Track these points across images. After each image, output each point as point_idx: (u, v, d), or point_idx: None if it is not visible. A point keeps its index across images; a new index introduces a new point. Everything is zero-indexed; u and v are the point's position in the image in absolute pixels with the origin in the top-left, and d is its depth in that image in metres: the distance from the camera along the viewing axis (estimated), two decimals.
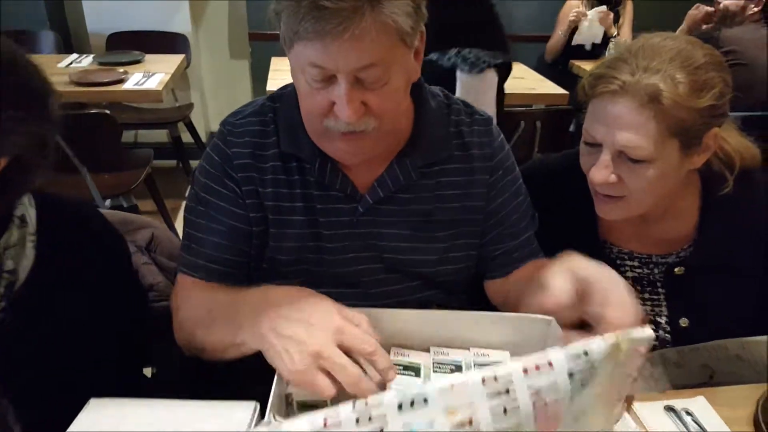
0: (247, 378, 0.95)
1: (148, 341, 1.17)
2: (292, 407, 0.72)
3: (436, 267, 0.89)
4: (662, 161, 0.84)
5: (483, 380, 0.49)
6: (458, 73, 1.79)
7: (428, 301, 0.92)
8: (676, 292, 0.98)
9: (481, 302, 1.01)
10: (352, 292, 0.89)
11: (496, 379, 0.50)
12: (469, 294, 1.01)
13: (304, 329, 0.64)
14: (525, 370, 0.50)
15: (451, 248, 0.91)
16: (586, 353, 0.52)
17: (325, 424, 0.45)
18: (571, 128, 2.26)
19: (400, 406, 0.46)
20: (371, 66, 0.71)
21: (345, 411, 0.47)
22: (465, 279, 0.95)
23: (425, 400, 0.47)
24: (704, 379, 0.95)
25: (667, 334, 0.99)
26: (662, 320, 0.99)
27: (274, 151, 0.86)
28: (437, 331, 0.80)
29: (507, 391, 0.50)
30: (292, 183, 0.86)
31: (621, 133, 0.83)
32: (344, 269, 0.89)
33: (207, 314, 0.81)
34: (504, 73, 1.91)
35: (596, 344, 0.53)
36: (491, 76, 1.82)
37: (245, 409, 0.69)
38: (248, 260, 0.88)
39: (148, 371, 1.20)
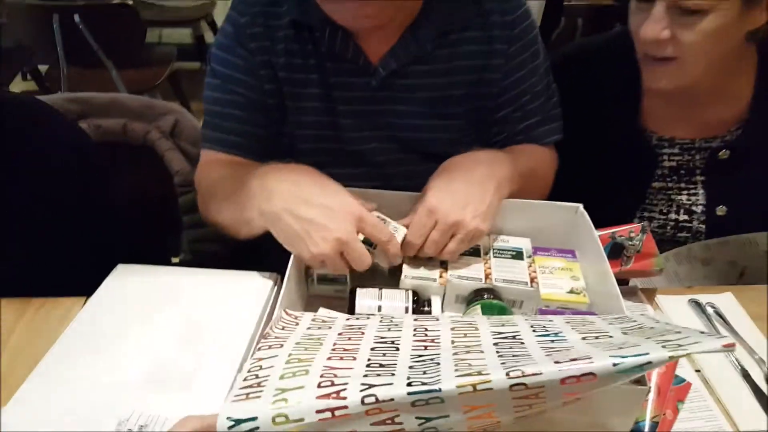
0: (271, 261, 0.96)
1: (173, 228, 1.20)
2: (312, 280, 0.73)
3: (454, 147, 0.86)
4: (720, 13, 0.77)
5: (511, 387, 0.42)
6: None
7: None
8: (717, 179, 0.94)
9: None
10: (367, 172, 0.88)
11: (527, 386, 0.42)
12: None
13: (326, 214, 0.63)
14: (563, 381, 0.42)
15: (468, 126, 0.88)
16: (642, 367, 0.42)
17: (333, 415, 0.43)
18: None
19: (413, 404, 0.43)
20: None
21: (353, 403, 0.43)
22: None
23: (441, 400, 0.43)
24: (734, 279, 0.93)
25: (701, 225, 0.96)
26: (698, 209, 0.96)
27: (287, 20, 0.82)
28: None
29: (537, 395, 0.43)
30: (306, 53, 0.83)
31: None
32: (360, 147, 0.87)
33: (219, 191, 0.81)
34: None
35: (657, 356, 0.42)
36: None
37: (267, 278, 0.69)
38: (267, 133, 0.87)
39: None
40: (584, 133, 0.93)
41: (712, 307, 0.82)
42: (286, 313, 0.60)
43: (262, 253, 0.99)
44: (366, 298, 0.66)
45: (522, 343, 0.50)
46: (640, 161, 0.97)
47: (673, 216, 0.97)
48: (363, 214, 0.65)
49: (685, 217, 0.96)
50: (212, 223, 0.85)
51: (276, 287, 0.69)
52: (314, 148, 0.87)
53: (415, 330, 0.55)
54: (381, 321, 0.58)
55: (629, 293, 0.83)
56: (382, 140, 0.87)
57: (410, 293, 0.67)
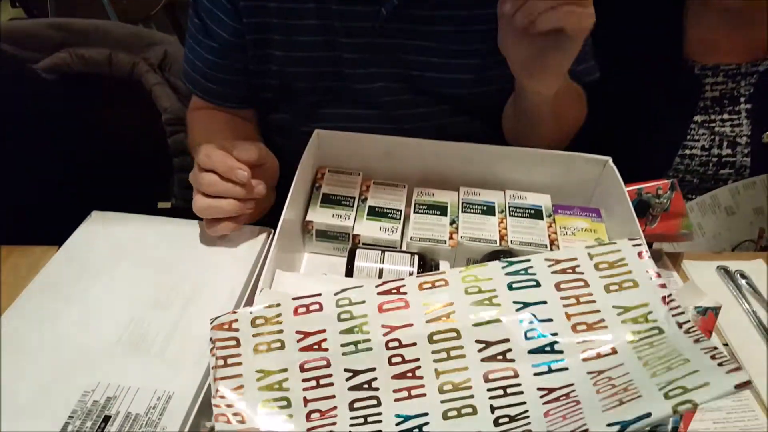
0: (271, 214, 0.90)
1: (163, 171, 1.12)
2: (310, 236, 0.67)
3: (471, 88, 0.78)
4: None
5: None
6: None
7: (462, 131, 0.82)
8: (763, 104, 0.91)
9: None
10: (374, 114, 0.80)
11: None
12: None
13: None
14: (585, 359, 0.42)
15: (490, 66, 0.78)
16: (644, 425, 0.38)
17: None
18: None
19: None
20: None
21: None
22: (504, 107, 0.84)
23: None
24: (754, 235, 0.89)
25: (745, 158, 0.92)
26: (742, 140, 0.92)
27: None
28: (470, 167, 0.71)
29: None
30: None
31: None
32: (364, 86, 0.78)
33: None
34: None
35: (659, 415, 0.38)
36: None
37: (257, 232, 0.63)
38: (247, 78, 0.80)
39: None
40: (623, 73, 0.89)
41: (743, 275, 0.75)
42: (218, 329, 0.45)
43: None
44: (366, 260, 0.59)
45: (516, 377, 0.43)
46: (682, 93, 0.93)
47: (715, 151, 0.93)
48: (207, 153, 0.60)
49: (729, 151, 0.92)
50: None
51: (268, 242, 0.62)
52: (312, 87, 0.78)
53: (389, 350, 0.45)
54: (342, 328, 0.46)
55: (654, 258, 0.76)
56: (391, 78, 0.78)
57: (416, 257, 0.60)
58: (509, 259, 0.49)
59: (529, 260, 0.49)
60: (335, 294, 0.47)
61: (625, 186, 0.68)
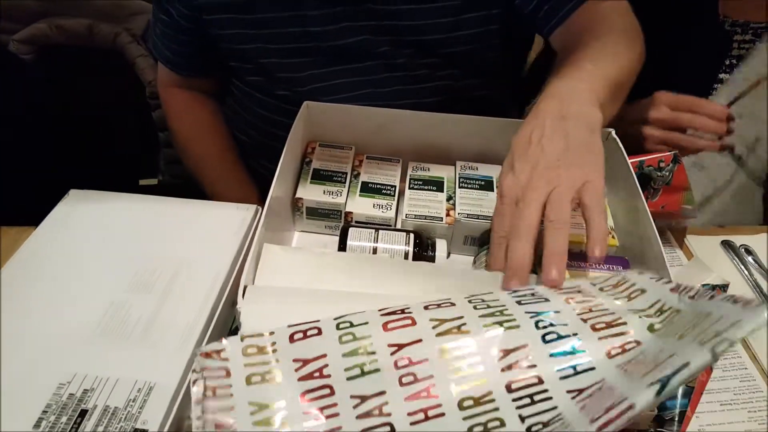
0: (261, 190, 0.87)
1: (148, 146, 1.08)
2: (300, 213, 0.64)
3: (449, 33, 0.72)
4: None
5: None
6: None
7: (454, 89, 0.78)
8: None
9: (530, 95, 0.87)
10: (354, 68, 0.75)
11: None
12: (512, 85, 0.87)
13: None
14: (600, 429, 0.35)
15: (467, 6, 0.72)
16: (684, 379, 0.33)
17: None
18: None
19: None
20: None
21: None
22: (495, 58, 0.79)
23: None
24: (758, 198, 0.89)
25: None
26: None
27: None
28: (467, 140, 0.68)
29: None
30: None
31: None
32: (338, 42, 0.73)
33: (194, 159, 0.87)
34: None
35: (700, 361, 0.33)
36: None
37: (244, 209, 0.59)
38: (203, 49, 0.79)
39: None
40: (665, 15, 0.87)
41: (748, 250, 0.73)
42: (205, 357, 0.40)
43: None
44: (359, 238, 0.56)
45: (541, 383, 0.39)
46: (710, 50, 0.90)
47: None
48: None
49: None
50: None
51: (255, 221, 0.59)
52: (281, 48, 0.73)
53: (399, 369, 0.40)
54: (345, 351, 0.41)
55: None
56: (365, 31, 0.72)
57: (411, 236, 0.57)
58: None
59: (532, 288, 0.46)
60: (335, 318, 0.43)
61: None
